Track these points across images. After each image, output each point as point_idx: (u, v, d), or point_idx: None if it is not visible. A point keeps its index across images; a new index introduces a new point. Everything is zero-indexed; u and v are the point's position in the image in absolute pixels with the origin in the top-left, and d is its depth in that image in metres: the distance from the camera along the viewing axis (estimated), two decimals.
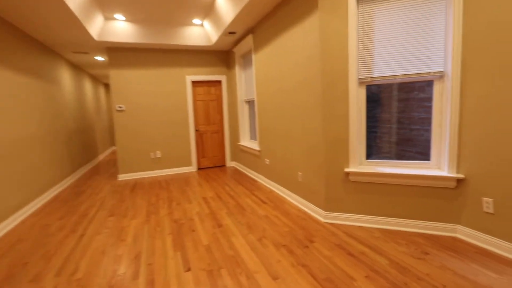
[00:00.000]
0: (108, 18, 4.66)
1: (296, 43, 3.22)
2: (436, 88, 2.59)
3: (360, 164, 2.88)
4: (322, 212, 3.01)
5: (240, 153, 5.69)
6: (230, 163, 6.19)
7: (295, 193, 3.58)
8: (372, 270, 2.04)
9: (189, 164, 5.85)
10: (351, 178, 2.82)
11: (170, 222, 3.14)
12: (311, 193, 3.22)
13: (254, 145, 5.00)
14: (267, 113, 4.23)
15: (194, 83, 5.82)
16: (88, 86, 7.73)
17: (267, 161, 4.38)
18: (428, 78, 2.61)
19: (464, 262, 2.09)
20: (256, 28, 4.30)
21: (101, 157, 8.28)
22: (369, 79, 2.75)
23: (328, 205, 2.96)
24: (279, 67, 3.67)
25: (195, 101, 5.86)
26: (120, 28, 4.74)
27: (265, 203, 3.64)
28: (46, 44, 4.79)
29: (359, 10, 2.67)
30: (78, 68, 6.96)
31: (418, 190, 2.60)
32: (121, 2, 4.09)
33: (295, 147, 3.47)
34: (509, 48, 2.04)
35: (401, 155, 3.76)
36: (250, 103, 5.46)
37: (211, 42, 5.33)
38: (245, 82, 5.36)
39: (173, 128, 5.66)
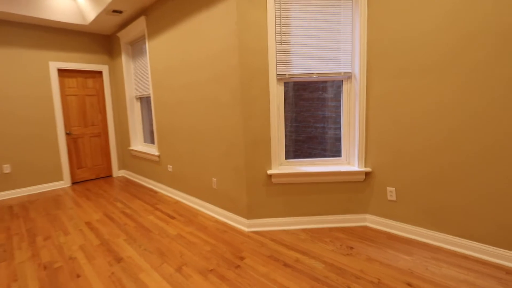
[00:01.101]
0: None
1: (209, 31, 2.80)
2: (345, 88, 2.73)
3: (280, 165, 2.76)
4: (244, 220, 2.72)
5: (132, 159, 4.75)
6: (118, 173, 5.09)
7: (209, 202, 3.16)
8: (313, 279, 1.90)
9: (58, 178, 4.44)
10: (274, 180, 2.65)
11: (37, 269, 2.15)
12: (229, 200, 2.88)
13: (151, 150, 4.24)
14: (168, 111, 3.61)
15: (62, 72, 4.45)
16: None
17: (169, 167, 3.76)
18: (339, 78, 2.72)
19: (383, 250, 2.24)
20: (152, 8, 3.60)
21: None
22: (287, 76, 2.64)
23: (251, 212, 2.70)
24: (186, 57, 3.15)
25: (64, 95, 4.49)
26: None
27: (173, 218, 3.06)
28: None
29: (276, 2, 2.51)
30: None
31: (333, 186, 2.69)
32: None
33: (208, 149, 3.05)
34: (402, 54, 2.30)
35: (310, 153, 3.88)
36: (144, 100, 4.62)
37: (85, 21, 4.18)
38: (135, 75, 4.48)
39: (31, 130, 4.15)
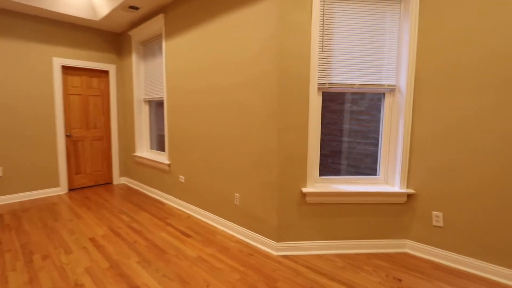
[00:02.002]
0: None
1: (242, 33, 2.56)
2: (387, 101, 2.52)
3: (314, 182, 2.50)
4: (273, 243, 2.44)
5: (136, 166, 4.41)
6: (119, 180, 4.72)
7: (229, 219, 2.85)
8: None
9: (54, 184, 4.05)
10: (308, 199, 2.39)
11: None
12: (254, 219, 2.59)
13: (159, 157, 3.92)
14: (184, 116, 3.32)
15: (66, 69, 4.12)
16: None
17: (181, 178, 3.44)
18: (381, 90, 2.51)
19: (435, 284, 1.98)
20: (172, 6, 3.35)
21: None
22: (327, 85, 2.42)
23: (281, 234, 2.42)
24: (211, 59, 2.89)
25: (66, 94, 4.15)
26: None
27: (189, 236, 2.74)
28: None
29: (321, 3, 2.31)
30: None
31: (371, 208, 2.44)
32: None
33: (232, 161, 2.77)
34: (459, 68, 2.11)
35: (335, 169, 3.61)
36: (153, 103, 4.32)
37: (96, 17, 3.90)
38: (145, 76, 4.19)
39: (27, 130, 3.78)
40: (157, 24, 3.57)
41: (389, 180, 2.56)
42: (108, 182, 4.68)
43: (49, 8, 3.53)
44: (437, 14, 2.19)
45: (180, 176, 3.47)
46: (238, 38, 2.58)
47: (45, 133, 3.92)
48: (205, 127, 3.04)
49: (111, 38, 4.49)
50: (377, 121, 3.11)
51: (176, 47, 3.34)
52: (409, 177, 2.43)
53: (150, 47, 4.03)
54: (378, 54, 2.42)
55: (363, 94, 2.75)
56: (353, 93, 2.68)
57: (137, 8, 3.52)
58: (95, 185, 4.53)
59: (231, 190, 2.81)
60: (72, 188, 4.29)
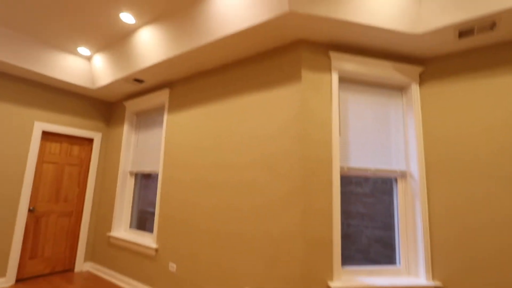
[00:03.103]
0: None
1: (261, 113, 2.57)
2: (400, 187, 2.56)
3: (339, 274, 2.25)
4: None
5: (110, 250, 3.75)
6: (82, 266, 3.92)
7: None
8: None
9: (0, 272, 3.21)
10: None
11: None
12: None
13: (143, 239, 3.40)
14: (182, 193, 3.04)
15: (47, 134, 3.76)
16: None
17: (172, 266, 2.94)
18: (393, 175, 2.57)
19: None
20: (180, 82, 3.39)
21: None
22: (346, 169, 2.42)
23: None
24: (223, 136, 2.81)
25: (41, 162, 3.68)
26: None
27: None
28: None
29: (337, 94, 2.48)
30: None
31: None
32: None
33: (242, 247, 2.45)
34: (466, 156, 2.27)
35: (343, 254, 3.40)
36: (139, 177, 3.98)
37: (94, 85, 3.80)
38: (135, 147, 3.95)
39: None
40: (161, 97, 3.55)
41: (411, 271, 2.40)
42: (69, 269, 3.85)
43: (47, 74, 3.38)
44: (437, 108, 2.45)
45: (171, 263, 2.96)
46: (256, 118, 2.60)
47: (4, 206, 3.28)
48: (209, 205, 2.77)
49: (101, 106, 4.34)
50: (384, 204, 3.10)
51: (179, 121, 3.27)
52: (434, 268, 2.31)
53: (146, 118, 3.92)
54: (388, 141, 2.56)
55: (366, 177, 2.77)
56: (356, 176, 2.70)
57: (141, 82, 3.52)
58: (51, 273, 3.68)
59: (240, 284, 2.41)
60: (22, 278, 3.42)
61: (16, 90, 3.46)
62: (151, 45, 2.94)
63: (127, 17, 2.78)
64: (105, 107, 4.38)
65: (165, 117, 3.43)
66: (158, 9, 2.64)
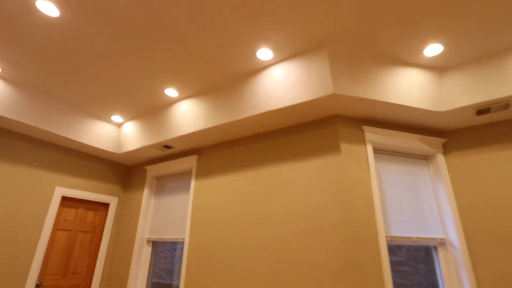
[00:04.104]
0: None
1: (299, 181, 2.65)
2: (441, 255, 2.56)
3: None
4: None
5: None
6: None
7: None
8: None
9: None
10: None
11: None
12: None
13: None
14: (211, 265, 2.89)
15: (65, 200, 3.64)
16: None
17: None
18: (432, 243, 2.59)
19: None
20: (209, 149, 3.51)
21: None
22: (388, 238, 2.43)
23: None
24: (259, 205, 2.81)
25: (55, 229, 3.49)
26: None
27: None
28: None
29: (375, 164, 2.64)
30: None
31: None
32: (12, 50, 2.47)
33: None
34: (503, 226, 2.36)
35: None
36: (156, 244, 3.79)
37: (119, 150, 3.86)
38: (155, 213, 3.85)
39: None
40: (188, 163, 3.62)
41: None
42: None
43: (78, 139, 3.45)
44: (464, 176, 2.62)
45: None
46: (293, 187, 2.67)
47: (11, 279, 2.97)
48: (245, 279, 2.62)
49: (119, 169, 4.33)
50: (419, 274, 3.05)
51: (208, 187, 3.29)
52: None
53: (168, 183, 3.91)
54: (421, 209, 2.64)
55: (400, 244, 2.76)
56: (398, 244, 2.69)
57: (170, 148, 3.62)
58: None
59: None
60: None
61: (41, 154, 3.47)
62: (188, 116, 3.13)
63: (170, 92, 3.01)
64: (123, 170, 4.37)
65: (193, 182, 3.44)
66: (204, 86, 2.90)
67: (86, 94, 3.11)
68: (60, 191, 3.55)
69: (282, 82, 2.51)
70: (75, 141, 3.48)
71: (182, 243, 3.48)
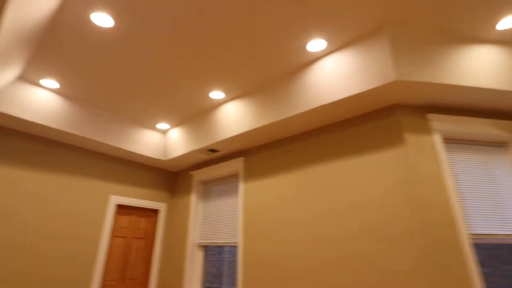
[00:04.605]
0: (26, 79, 2.79)
1: (359, 177, 2.48)
2: None
3: None
4: None
5: None
6: None
7: None
8: None
9: None
10: None
11: None
12: None
13: None
14: (268, 269, 2.79)
15: (119, 208, 3.77)
16: None
17: None
18: None
19: None
20: (255, 150, 3.44)
21: None
22: (471, 237, 2.17)
23: None
24: (319, 204, 2.68)
25: (112, 237, 3.61)
26: (29, 99, 2.85)
27: None
28: None
29: (446, 155, 2.38)
30: None
31: None
32: (69, 65, 2.57)
33: None
34: None
35: None
36: (208, 249, 3.78)
37: (166, 157, 3.93)
38: (203, 218, 3.85)
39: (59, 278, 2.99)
40: (235, 165, 3.57)
41: None
42: None
43: (127, 148, 3.55)
44: None
45: None
46: (353, 184, 2.50)
47: (77, 285, 3.11)
48: (305, 285, 2.49)
49: (165, 176, 4.41)
50: (503, 276, 2.70)
51: (258, 189, 3.21)
52: None
53: (214, 187, 3.90)
54: (502, 202, 2.33)
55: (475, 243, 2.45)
56: (485, 243, 2.40)
57: (215, 151, 3.61)
58: None
59: None
60: None
61: (95, 165, 3.61)
62: (234, 117, 3.08)
63: (216, 94, 2.99)
64: (169, 177, 4.45)
65: (241, 185, 3.39)
66: (250, 85, 2.83)
67: (133, 103, 3.18)
68: (115, 200, 3.68)
69: (335, 74, 2.36)
70: (124, 150, 3.58)
71: (229, 246, 3.43)
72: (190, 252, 3.69)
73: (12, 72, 2.56)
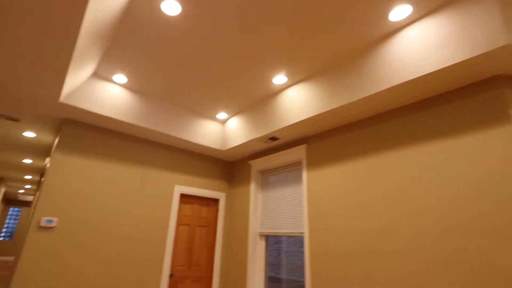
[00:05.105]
0: (99, 75, 2.97)
1: (448, 164, 2.16)
2: None
3: None
4: None
5: None
6: None
7: None
8: None
9: None
10: None
11: None
12: None
13: None
14: (339, 262, 2.62)
15: (182, 197, 3.90)
16: None
17: None
18: None
19: None
20: (319, 136, 3.25)
21: None
22: None
23: None
24: (396, 193, 2.42)
25: (178, 225, 3.76)
26: (103, 94, 3.02)
27: None
28: None
29: None
30: None
31: None
32: (136, 59, 2.63)
33: None
34: None
35: None
36: (270, 239, 3.73)
37: (225, 146, 3.94)
38: (263, 207, 3.79)
39: (134, 275, 3.19)
40: (296, 153, 3.43)
41: None
42: None
43: (187, 139, 3.61)
44: None
45: None
46: (441, 171, 2.18)
47: (150, 275, 3.28)
48: (378, 281, 2.27)
49: (223, 165, 4.45)
50: None
51: (324, 177, 3.02)
52: None
53: (274, 176, 3.81)
54: None
55: None
56: None
57: (276, 139, 3.49)
58: None
59: None
60: None
61: (160, 156, 3.75)
62: (298, 103, 2.92)
63: (279, 79, 2.85)
64: (227, 167, 4.48)
65: (305, 174, 3.23)
66: (317, 66, 2.63)
67: (195, 94, 3.20)
68: (179, 189, 3.80)
69: (422, 44, 2.05)
70: (186, 140, 3.65)
71: (285, 236, 3.31)
72: (252, 241, 3.67)
73: (88, 69, 2.72)
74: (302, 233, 3.13)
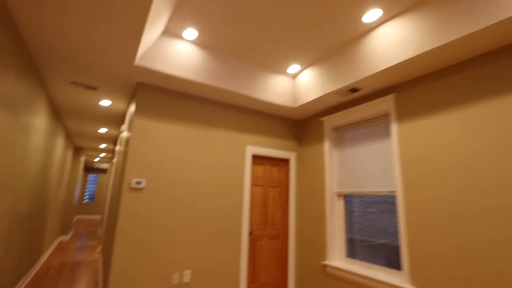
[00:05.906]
0: (169, 32, 2.84)
1: None
2: None
3: None
4: None
5: (327, 280, 3.36)
6: None
7: None
8: None
9: None
10: None
11: None
12: None
13: (383, 276, 2.82)
14: (444, 226, 2.31)
15: (254, 158, 3.83)
16: (59, 146, 5.17)
17: None
18: None
19: None
20: (410, 84, 2.80)
21: (45, 256, 5.00)
22: None
23: None
24: None
25: (252, 185, 3.74)
26: (173, 53, 2.89)
27: None
28: (32, 56, 2.65)
29: None
30: (55, 116, 4.60)
31: None
32: (207, 8, 2.38)
33: None
34: None
35: None
36: (348, 198, 3.53)
37: (295, 104, 3.67)
38: (340, 166, 3.54)
39: (218, 230, 3.29)
40: (381, 105, 3.03)
41: None
42: None
43: (257, 96, 3.41)
44: None
45: None
46: None
47: (232, 233, 3.36)
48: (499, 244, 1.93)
49: (291, 125, 4.23)
50: None
51: (421, 130, 2.62)
52: None
53: (350, 133, 3.48)
54: None
55: None
56: None
57: (356, 91, 3.11)
58: None
59: None
60: None
61: (231, 117, 3.64)
62: (392, 42, 2.46)
63: (372, 15, 2.41)
64: (296, 125, 4.26)
65: (395, 127, 2.86)
66: None
67: (266, 45, 2.91)
68: (250, 150, 3.72)
69: None
70: (255, 99, 3.46)
71: (360, 196, 3.06)
72: (329, 200, 3.51)
73: (159, 26, 2.58)
74: (393, 191, 2.85)
